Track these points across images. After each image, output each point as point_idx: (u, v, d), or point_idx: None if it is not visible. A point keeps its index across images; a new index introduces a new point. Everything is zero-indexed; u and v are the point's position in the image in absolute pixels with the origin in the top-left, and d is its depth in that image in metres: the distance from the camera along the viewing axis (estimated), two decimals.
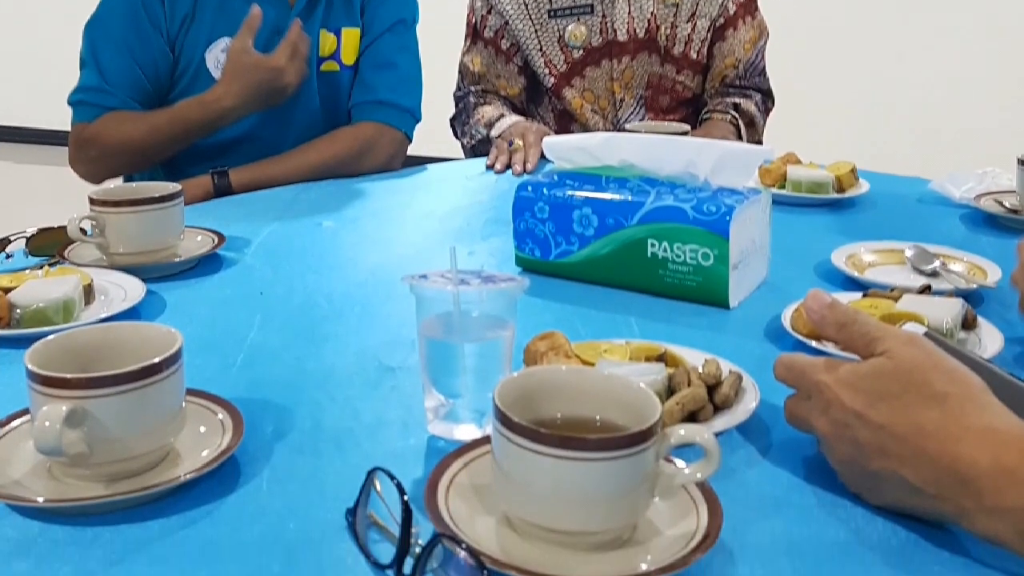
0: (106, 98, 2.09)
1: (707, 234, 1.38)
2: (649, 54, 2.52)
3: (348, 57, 2.29)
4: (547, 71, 2.56)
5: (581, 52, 2.53)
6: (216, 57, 2.10)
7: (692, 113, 2.63)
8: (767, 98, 2.64)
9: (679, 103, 2.60)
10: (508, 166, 2.26)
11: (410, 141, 2.35)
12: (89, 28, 2.13)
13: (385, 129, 2.26)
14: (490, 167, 2.30)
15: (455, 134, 2.69)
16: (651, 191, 1.45)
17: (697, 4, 2.53)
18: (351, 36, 2.28)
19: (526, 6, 2.53)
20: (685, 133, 2.08)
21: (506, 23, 2.56)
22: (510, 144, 2.30)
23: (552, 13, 2.52)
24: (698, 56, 2.56)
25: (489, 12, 2.58)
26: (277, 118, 2.20)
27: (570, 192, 1.49)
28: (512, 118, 2.49)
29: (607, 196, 1.47)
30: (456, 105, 2.69)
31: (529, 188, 1.53)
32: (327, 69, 2.28)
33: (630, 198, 1.45)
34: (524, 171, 2.21)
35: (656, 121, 2.44)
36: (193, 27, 2.12)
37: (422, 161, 2.46)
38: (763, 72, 2.64)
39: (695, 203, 1.40)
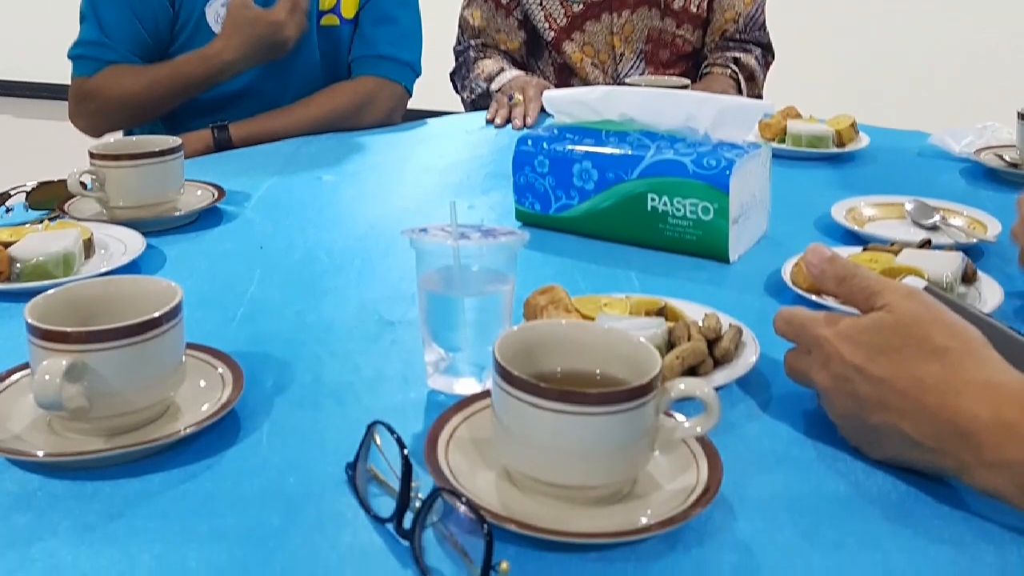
0: (106, 52, 2.07)
1: (707, 188, 1.37)
2: (649, 8, 2.48)
3: (348, 11, 2.26)
4: (547, 25, 2.53)
5: (581, 6, 2.48)
6: (216, 11, 2.08)
7: (692, 67, 2.61)
8: (767, 52, 2.61)
9: (679, 57, 2.58)
10: (508, 120, 2.25)
11: (410, 95, 2.33)
12: None
13: (385, 83, 2.23)
14: (490, 121, 2.28)
15: (455, 88, 2.67)
16: (651, 145, 1.44)
17: None
18: None
19: None
20: (685, 87, 2.05)
21: None
22: (510, 98, 2.28)
23: None
24: (698, 10, 2.51)
25: None
26: (277, 72, 2.18)
27: (570, 146, 1.48)
28: (512, 72, 2.46)
29: (607, 150, 1.46)
30: (456, 59, 2.66)
31: (529, 142, 1.52)
32: (327, 23, 2.25)
33: (630, 152, 1.44)
34: (524, 125, 2.19)
35: (656, 75, 2.42)
36: None
37: (422, 115, 2.44)
38: (763, 26, 2.61)
39: (695, 157, 1.39)
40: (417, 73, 2.31)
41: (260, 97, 2.20)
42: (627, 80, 2.32)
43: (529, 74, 2.50)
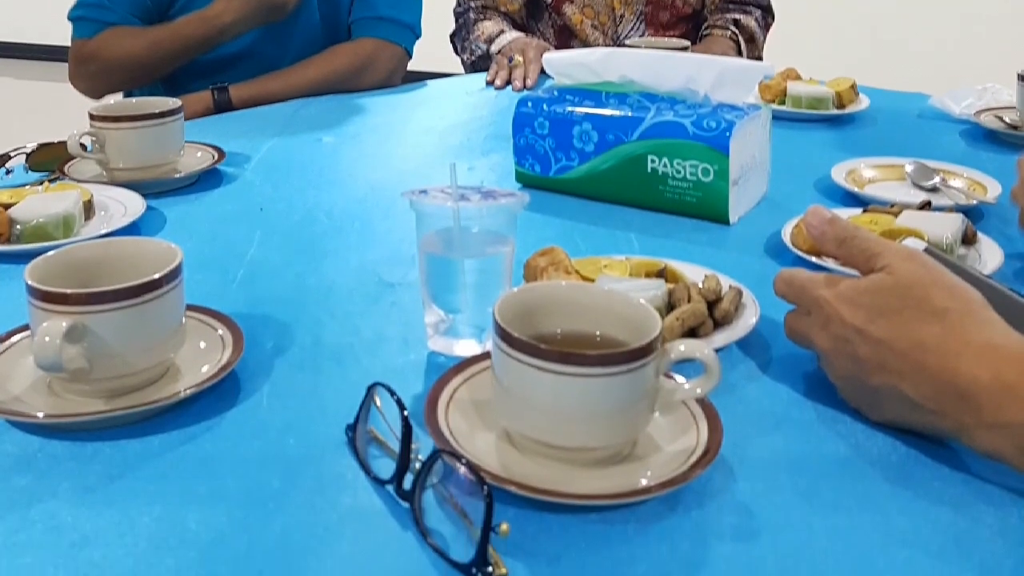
0: (106, 14, 2.05)
1: (707, 150, 1.36)
2: None
3: None
4: None
5: None
6: None
7: (692, 29, 2.57)
8: (767, 14, 2.58)
9: (679, 19, 2.54)
10: (508, 82, 2.23)
11: (410, 57, 2.30)
12: None
13: (385, 45, 2.21)
14: (490, 83, 2.26)
15: (455, 50, 2.64)
16: (651, 107, 1.42)
17: None
18: None
19: None
20: (685, 49, 2.03)
21: None
22: (510, 60, 2.26)
23: None
24: None
25: None
26: (277, 34, 2.15)
27: (570, 108, 1.47)
28: (512, 34, 2.44)
29: (607, 112, 1.45)
30: (456, 21, 2.63)
31: (529, 104, 1.51)
32: None
33: (630, 114, 1.42)
34: (524, 87, 2.18)
35: (656, 37, 2.40)
36: None
37: (422, 77, 2.42)
38: None
39: (695, 119, 1.38)
40: (417, 35, 2.29)
41: (260, 59, 2.18)
42: (627, 42, 2.30)
43: (529, 36, 2.48)
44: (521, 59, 2.24)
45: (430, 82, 2.37)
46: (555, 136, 1.47)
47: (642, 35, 2.46)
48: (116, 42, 2.04)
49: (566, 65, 1.54)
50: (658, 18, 2.52)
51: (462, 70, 2.65)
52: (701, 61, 1.48)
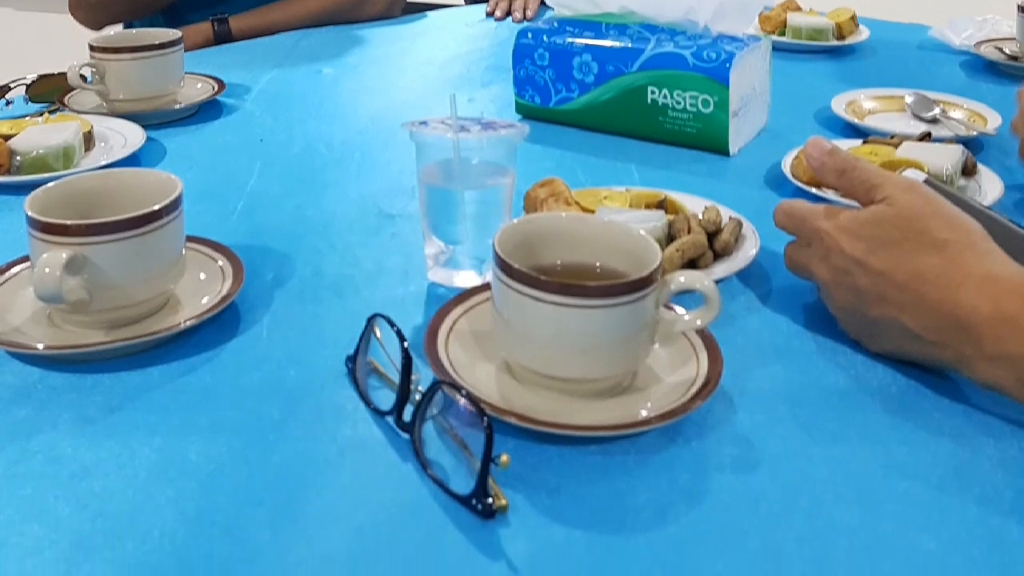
0: None
1: (707, 81, 1.34)
2: None
3: None
4: None
5: None
6: None
7: None
8: None
9: None
10: (508, 13, 2.19)
11: None
12: None
13: None
14: (490, 14, 2.22)
15: None
16: (651, 38, 1.40)
17: None
18: None
19: None
20: None
21: None
22: None
23: None
24: None
25: None
26: None
27: (570, 39, 1.44)
28: None
29: (607, 43, 1.42)
30: None
31: (529, 35, 1.48)
32: None
33: (630, 45, 1.40)
34: (524, 18, 2.14)
35: None
36: None
37: (422, 8, 2.36)
38: None
39: (695, 50, 1.36)
40: None
41: None
42: None
43: None
44: None
45: (430, 13, 2.32)
46: (555, 67, 1.45)
47: None
48: None
49: None
50: None
51: (462, 1, 2.59)
52: None
